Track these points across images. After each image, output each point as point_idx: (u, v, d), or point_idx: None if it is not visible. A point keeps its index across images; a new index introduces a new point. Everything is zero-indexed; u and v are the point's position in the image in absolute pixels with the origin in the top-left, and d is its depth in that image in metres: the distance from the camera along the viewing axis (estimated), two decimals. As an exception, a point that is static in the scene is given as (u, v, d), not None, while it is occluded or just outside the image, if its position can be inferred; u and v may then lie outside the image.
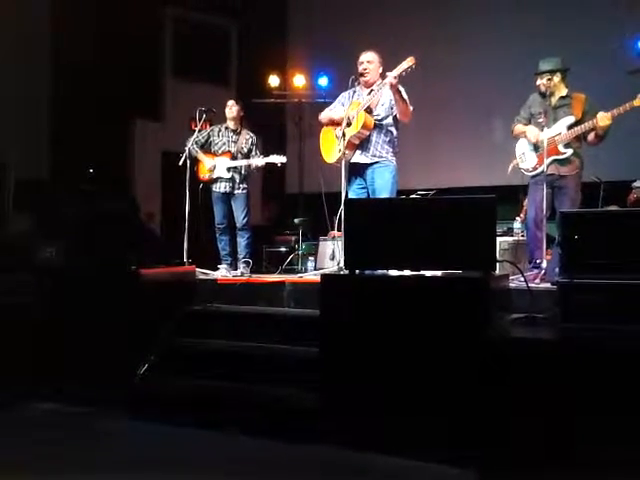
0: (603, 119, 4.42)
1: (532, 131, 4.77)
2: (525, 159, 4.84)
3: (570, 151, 4.60)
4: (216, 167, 5.77)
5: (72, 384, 3.91)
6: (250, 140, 5.85)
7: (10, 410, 3.79)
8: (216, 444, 3.31)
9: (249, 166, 5.76)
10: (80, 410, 3.78)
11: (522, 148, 4.89)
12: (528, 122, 4.87)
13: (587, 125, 4.53)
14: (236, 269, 5.70)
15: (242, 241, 5.76)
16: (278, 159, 5.67)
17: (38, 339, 4.14)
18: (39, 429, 3.54)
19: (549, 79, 4.66)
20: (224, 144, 5.85)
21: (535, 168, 4.76)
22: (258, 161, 5.72)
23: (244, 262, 5.68)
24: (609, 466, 2.54)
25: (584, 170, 4.77)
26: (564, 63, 4.75)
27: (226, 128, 5.90)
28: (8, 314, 4.25)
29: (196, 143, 5.83)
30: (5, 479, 2.81)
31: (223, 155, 5.82)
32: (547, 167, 4.56)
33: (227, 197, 5.80)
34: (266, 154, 5.79)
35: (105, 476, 2.89)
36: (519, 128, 4.90)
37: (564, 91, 4.72)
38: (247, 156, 5.80)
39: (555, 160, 4.62)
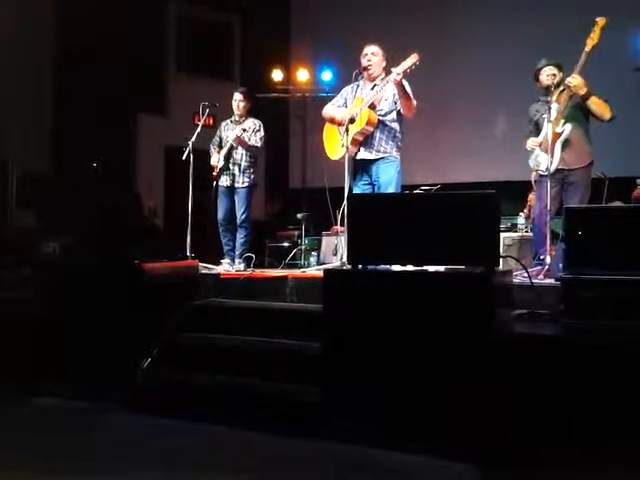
0: (571, 80, 4.48)
1: (531, 140, 4.80)
2: (540, 162, 4.77)
3: (568, 126, 4.56)
4: (219, 159, 5.79)
5: (75, 378, 3.92)
6: (252, 128, 5.76)
7: (12, 405, 3.80)
8: (218, 439, 3.32)
9: (248, 155, 5.71)
10: (82, 405, 3.78)
11: (534, 156, 4.84)
12: (535, 131, 4.85)
13: (565, 94, 4.55)
14: (232, 264, 5.69)
15: (239, 237, 5.73)
16: (255, 137, 5.62)
17: (41, 333, 4.14)
18: (40, 424, 3.54)
19: (554, 74, 4.67)
20: (228, 137, 5.83)
21: (551, 163, 4.70)
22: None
23: (244, 257, 5.66)
24: (612, 463, 2.53)
25: (594, 164, 4.75)
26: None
27: (231, 121, 5.89)
28: (11, 309, 4.26)
29: (212, 144, 5.90)
30: (6, 475, 2.82)
31: (225, 147, 5.81)
32: (558, 158, 4.54)
33: (230, 191, 5.77)
34: (265, 145, 5.72)
35: (107, 470, 2.90)
36: (531, 141, 4.86)
37: (562, 87, 4.74)
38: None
39: (563, 145, 4.58)
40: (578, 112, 4.62)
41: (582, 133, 4.65)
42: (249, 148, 5.70)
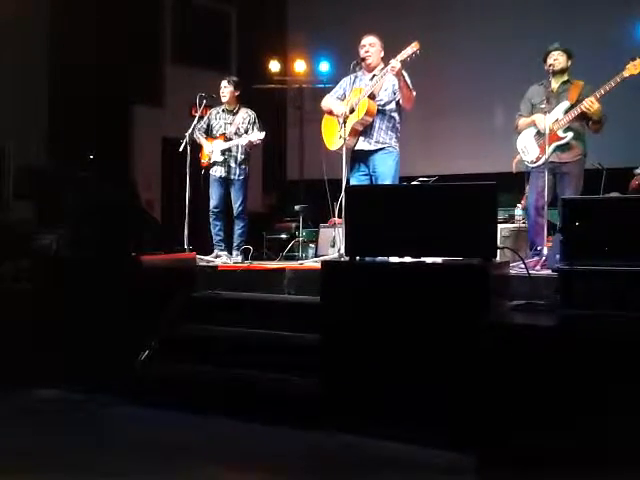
0: (590, 104, 4.44)
1: (540, 118, 4.70)
2: (528, 152, 4.79)
3: (570, 134, 4.58)
4: (213, 151, 5.74)
5: (73, 370, 3.93)
6: (247, 119, 5.72)
7: (12, 397, 3.80)
8: (217, 431, 3.33)
9: (244, 147, 5.69)
10: (81, 397, 3.79)
11: (523, 142, 4.84)
12: (530, 115, 4.84)
13: (579, 109, 4.52)
14: (230, 256, 5.68)
15: (236, 229, 5.72)
16: (256, 136, 5.55)
17: (39, 325, 4.15)
18: (39, 416, 3.55)
19: (558, 61, 4.65)
20: (220, 127, 5.77)
21: (538, 158, 4.69)
22: (241, 141, 5.60)
23: (242, 249, 5.65)
24: (610, 456, 2.54)
25: (587, 157, 4.76)
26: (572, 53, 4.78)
27: (223, 110, 5.81)
28: (9, 300, 4.25)
29: (199, 130, 5.80)
30: (4, 467, 2.82)
31: (219, 138, 5.74)
32: (549, 155, 4.54)
33: (223, 182, 5.72)
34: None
35: (105, 463, 2.91)
36: (525, 120, 4.85)
37: (566, 77, 4.72)
38: None
39: (557, 147, 4.60)
40: (580, 120, 4.62)
41: (580, 138, 4.66)
42: (259, 144, 5.68)
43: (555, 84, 4.70)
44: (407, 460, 2.89)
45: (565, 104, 4.61)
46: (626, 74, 4.35)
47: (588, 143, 4.75)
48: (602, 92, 4.41)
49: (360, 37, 4.79)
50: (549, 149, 4.55)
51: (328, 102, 4.93)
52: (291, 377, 3.53)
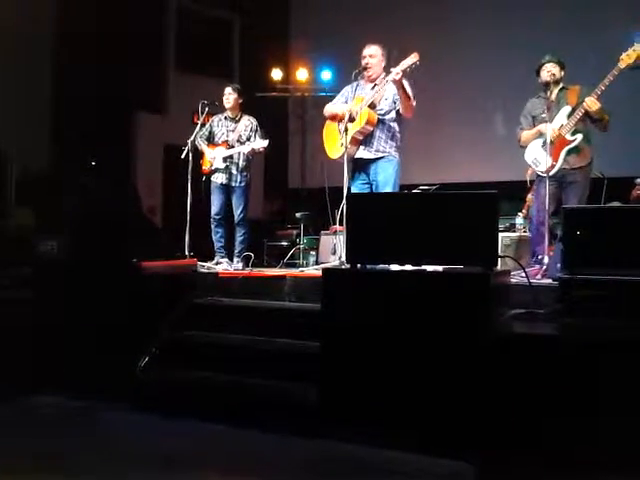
0: (590, 104, 4.46)
1: (545, 128, 4.70)
2: (539, 162, 4.75)
3: (579, 136, 4.58)
4: (215, 158, 5.75)
5: (73, 377, 3.92)
6: (250, 126, 5.74)
7: (12, 403, 3.80)
8: (217, 438, 3.32)
9: (246, 154, 5.70)
10: (81, 403, 3.79)
11: (533, 153, 4.80)
12: (532, 127, 4.85)
13: (581, 111, 4.54)
14: (231, 262, 5.69)
15: (237, 236, 5.72)
16: (260, 144, 5.56)
17: (40, 332, 4.15)
18: (39, 423, 3.55)
19: (553, 74, 4.68)
20: (223, 134, 5.80)
21: (553, 166, 4.63)
22: (244, 148, 5.62)
23: (243, 256, 5.65)
24: (610, 464, 2.54)
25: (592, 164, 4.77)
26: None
27: (225, 117, 5.84)
28: (10, 307, 4.25)
29: (200, 137, 5.82)
30: (4, 474, 2.82)
31: (221, 145, 5.76)
32: (562, 160, 4.56)
33: (225, 189, 5.74)
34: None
35: (105, 470, 2.90)
36: (528, 132, 4.85)
37: (561, 85, 4.76)
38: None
39: (568, 151, 4.60)
40: (584, 122, 4.64)
41: (587, 139, 4.67)
42: (261, 151, 5.70)
43: (554, 91, 4.73)
44: (408, 468, 2.88)
45: (567, 108, 4.63)
46: (622, 65, 4.37)
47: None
48: (602, 88, 4.42)
49: (362, 46, 4.81)
50: (561, 154, 4.56)
51: (330, 108, 4.95)
52: (291, 384, 3.52)
